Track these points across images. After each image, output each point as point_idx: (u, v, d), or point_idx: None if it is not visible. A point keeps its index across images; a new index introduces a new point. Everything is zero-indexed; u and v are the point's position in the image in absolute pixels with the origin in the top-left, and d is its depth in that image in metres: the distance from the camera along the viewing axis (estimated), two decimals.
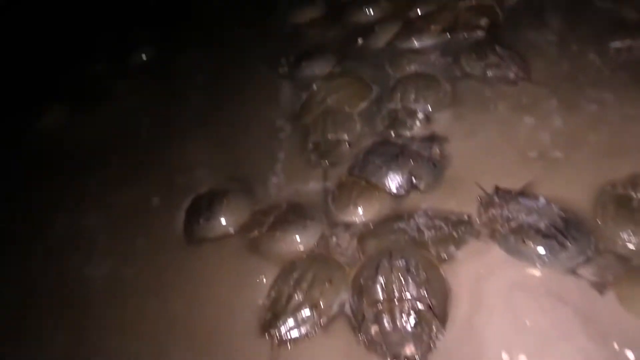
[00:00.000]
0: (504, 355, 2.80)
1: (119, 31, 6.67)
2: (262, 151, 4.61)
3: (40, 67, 6.40)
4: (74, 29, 6.74)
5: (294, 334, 3.19)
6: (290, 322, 3.20)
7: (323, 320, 3.19)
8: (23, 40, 6.75)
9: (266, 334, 3.23)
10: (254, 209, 4.05)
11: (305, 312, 3.20)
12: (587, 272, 3.11)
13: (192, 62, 5.98)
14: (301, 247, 3.64)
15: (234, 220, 3.98)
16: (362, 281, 3.08)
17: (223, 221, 3.97)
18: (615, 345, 2.76)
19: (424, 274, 3.04)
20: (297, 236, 3.65)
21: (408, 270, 3.02)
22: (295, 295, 3.25)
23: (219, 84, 5.60)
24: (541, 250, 3.13)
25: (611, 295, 2.97)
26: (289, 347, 3.19)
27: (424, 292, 2.96)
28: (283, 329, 3.18)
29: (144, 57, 6.16)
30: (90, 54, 6.48)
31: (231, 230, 3.96)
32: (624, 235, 3.19)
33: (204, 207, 4.06)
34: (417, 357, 2.85)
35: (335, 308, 3.24)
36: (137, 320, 3.64)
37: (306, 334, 3.18)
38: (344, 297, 3.26)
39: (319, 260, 3.44)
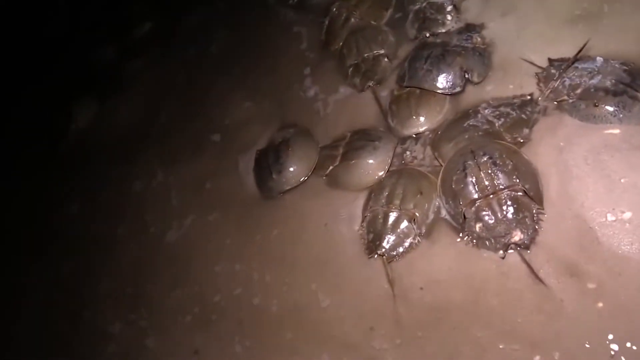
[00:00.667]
0: (609, 217, 2.89)
1: (118, 9, 6.46)
2: (303, 90, 4.61)
3: (53, 62, 6.32)
4: (71, 16, 6.55)
5: (399, 248, 3.33)
6: (392, 238, 3.33)
7: (423, 230, 3.32)
8: (25, 38, 6.62)
9: (373, 255, 3.37)
10: (319, 148, 4.10)
11: (404, 226, 3.32)
12: None
13: (198, 25, 5.88)
14: (378, 169, 3.70)
15: (305, 165, 4.04)
16: (453, 185, 3.15)
17: (295, 169, 4.03)
18: None
19: (510, 161, 3.09)
20: (371, 160, 3.71)
21: (495, 164, 3.08)
22: (391, 212, 3.35)
23: (233, 38, 5.51)
24: (615, 108, 3.15)
25: None
26: (397, 261, 3.34)
27: (515, 179, 3.03)
28: (387, 246, 3.32)
29: (147, 27, 5.97)
30: (98, 39, 6.35)
31: (305, 176, 4.04)
32: None
33: (271, 161, 4.10)
34: (525, 241, 2.97)
35: (431, 216, 3.36)
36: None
37: (410, 246, 3.33)
38: (437, 203, 3.36)
39: (404, 174, 3.53)
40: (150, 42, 5.98)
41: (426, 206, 3.33)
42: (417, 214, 3.29)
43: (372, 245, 3.36)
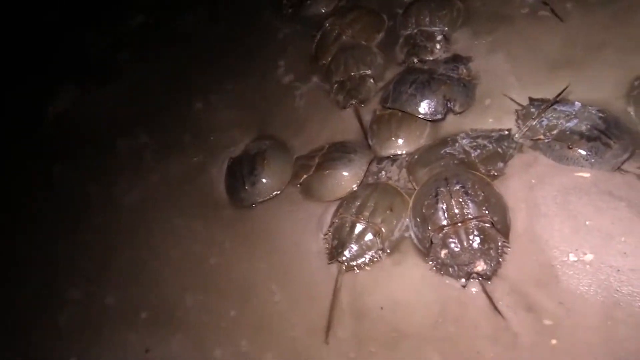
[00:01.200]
0: (572, 257, 2.95)
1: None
2: (287, 99, 4.64)
3: (38, 48, 6.23)
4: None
5: (359, 259, 3.36)
6: (355, 248, 3.36)
7: (386, 245, 3.35)
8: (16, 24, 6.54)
9: (333, 261, 3.39)
10: (295, 158, 4.13)
11: (369, 239, 3.35)
12: (632, 167, 3.24)
13: (191, 24, 5.88)
14: (351, 181, 3.74)
15: (279, 179, 4.05)
16: (424, 210, 3.18)
17: (269, 182, 4.03)
18: None
19: (481, 193, 3.14)
20: (345, 172, 3.74)
21: (467, 193, 3.13)
22: (359, 222, 3.37)
23: (224, 42, 5.52)
24: (587, 152, 3.23)
25: None
26: (356, 272, 3.37)
27: (484, 211, 3.08)
28: (348, 255, 3.35)
29: (139, 20, 5.95)
30: (87, 27, 6.29)
31: (278, 190, 4.04)
32: None
33: (246, 172, 4.08)
34: (488, 272, 3.00)
35: (397, 234, 3.39)
36: (216, 280, 3.80)
37: (371, 259, 3.36)
38: (405, 223, 3.40)
39: (379, 188, 3.55)
40: (141, 35, 5.94)
41: (394, 223, 3.37)
42: (383, 230, 3.33)
43: (335, 251, 3.38)
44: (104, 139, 5.10)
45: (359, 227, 3.36)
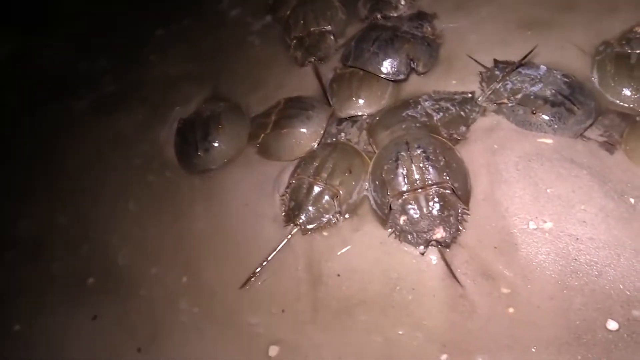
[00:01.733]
0: (531, 224, 2.91)
1: None
2: (243, 56, 4.42)
3: None
4: None
5: (316, 222, 3.25)
6: (311, 210, 3.24)
7: (344, 209, 3.24)
8: None
9: (289, 224, 3.28)
10: (252, 117, 3.94)
11: (326, 201, 3.24)
12: (595, 134, 3.20)
13: None
14: (310, 139, 3.60)
15: (234, 144, 3.85)
16: (383, 174, 3.08)
17: (223, 149, 3.82)
18: (632, 200, 2.90)
19: (443, 158, 3.05)
20: (303, 129, 3.60)
21: (428, 158, 3.03)
22: (316, 184, 3.25)
23: None
24: (551, 118, 3.17)
25: (620, 154, 3.08)
26: (310, 234, 3.27)
27: (445, 177, 2.99)
28: (304, 217, 3.24)
29: None
30: None
31: (233, 154, 3.84)
32: (626, 92, 3.24)
33: (199, 137, 3.83)
34: (447, 240, 2.93)
35: (355, 197, 3.28)
36: (164, 245, 3.62)
37: (327, 222, 3.25)
38: (364, 186, 3.29)
39: (339, 148, 3.42)
40: None
41: (352, 186, 3.26)
42: (340, 192, 3.22)
43: (291, 213, 3.27)
44: (46, 92, 4.76)
45: (316, 189, 3.24)
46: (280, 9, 4.44)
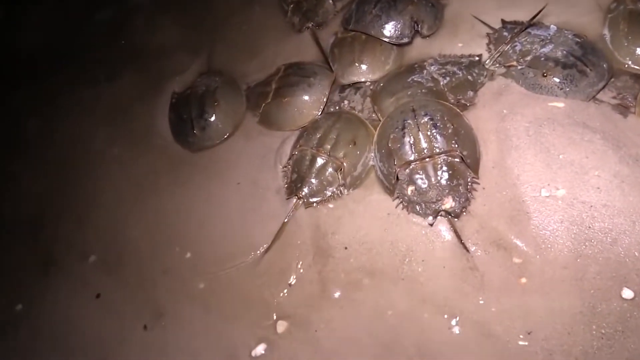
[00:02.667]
0: (544, 192, 2.83)
1: None
2: (239, 22, 4.27)
3: None
4: None
5: (319, 195, 3.17)
6: (315, 183, 3.16)
7: (348, 181, 3.15)
8: None
9: (292, 196, 3.21)
10: (253, 86, 3.81)
11: (330, 173, 3.15)
12: (607, 96, 3.09)
13: None
14: (313, 107, 3.49)
15: (230, 121, 3.73)
16: (389, 143, 2.98)
17: (220, 127, 3.71)
18: None
19: (451, 125, 2.95)
20: (306, 96, 3.48)
21: (435, 126, 2.93)
22: (319, 156, 3.16)
23: None
24: (562, 81, 3.06)
25: (634, 116, 2.98)
26: (316, 207, 3.18)
27: (454, 144, 2.90)
28: (307, 190, 3.16)
29: None
30: None
31: (230, 131, 3.73)
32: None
33: (195, 114, 3.71)
34: (456, 209, 2.85)
35: (360, 168, 3.19)
36: (167, 221, 3.55)
37: (332, 195, 3.17)
38: (368, 158, 3.20)
39: (342, 118, 3.31)
40: None
41: (356, 158, 3.16)
42: (344, 164, 3.12)
43: (293, 186, 3.19)
44: (36, 63, 4.61)
45: (319, 161, 3.14)
46: None
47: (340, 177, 3.12)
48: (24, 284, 3.67)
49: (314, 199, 3.16)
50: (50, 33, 4.82)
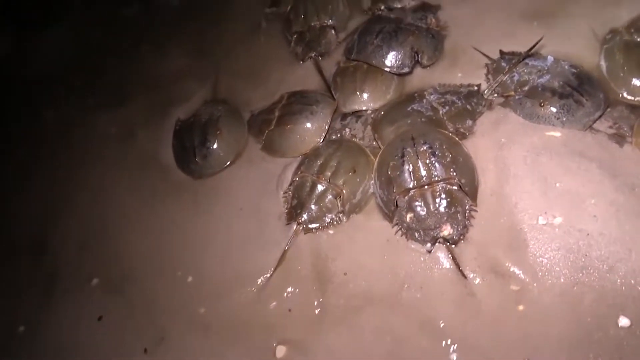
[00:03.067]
0: (541, 220, 2.86)
1: None
2: (244, 51, 4.37)
3: None
4: None
5: (319, 222, 3.21)
6: (314, 209, 3.20)
7: (347, 209, 3.19)
8: None
9: (291, 222, 3.25)
10: (257, 114, 3.88)
11: (329, 200, 3.19)
12: (604, 126, 3.14)
13: None
14: (315, 135, 3.55)
15: (232, 150, 3.79)
16: (389, 171, 3.02)
17: (222, 155, 3.76)
18: None
19: (449, 153, 2.99)
20: (308, 124, 3.54)
21: (434, 154, 2.98)
22: (320, 183, 3.21)
23: None
24: (559, 110, 3.11)
25: (630, 146, 3.02)
26: (316, 233, 3.22)
27: (452, 172, 2.94)
28: (306, 216, 3.19)
29: None
30: None
31: (231, 159, 3.79)
32: (636, 83, 3.17)
33: (197, 142, 3.76)
34: (454, 236, 2.88)
35: (359, 196, 3.23)
36: (169, 245, 3.58)
37: (331, 222, 3.21)
38: (367, 186, 3.24)
39: (343, 146, 3.37)
40: None
41: (356, 185, 3.20)
42: (344, 192, 3.17)
43: (293, 212, 3.23)
44: (44, 90, 4.72)
45: (319, 188, 3.19)
46: (282, 3, 4.37)
47: (339, 204, 3.16)
48: (27, 305, 3.70)
49: (313, 225, 3.20)
50: (56, 60, 4.92)
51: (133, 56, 4.71)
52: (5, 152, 4.56)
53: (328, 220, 3.19)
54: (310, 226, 3.20)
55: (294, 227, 3.21)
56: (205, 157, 3.70)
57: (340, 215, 3.18)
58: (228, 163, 3.74)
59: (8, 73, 5.07)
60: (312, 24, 4.07)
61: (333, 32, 4.04)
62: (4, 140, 4.63)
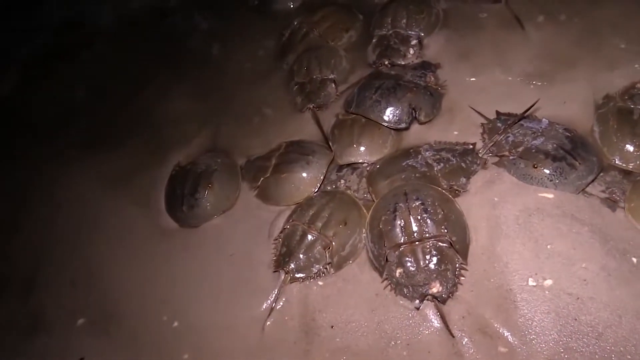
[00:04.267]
0: (531, 281, 2.84)
1: None
2: (247, 98, 4.43)
3: None
4: None
5: (305, 271, 3.20)
6: (302, 259, 3.18)
7: (335, 261, 3.18)
8: None
9: (278, 270, 3.24)
10: (253, 159, 3.92)
11: (318, 251, 3.18)
12: (596, 190, 3.16)
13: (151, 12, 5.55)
14: (310, 184, 3.57)
15: (220, 206, 3.76)
16: (381, 225, 3.03)
17: (208, 209, 3.73)
18: (634, 260, 2.83)
19: (441, 210, 3.00)
20: (304, 173, 3.57)
21: (426, 210, 2.99)
22: (310, 233, 3.21)
23: (187, 31, 5.25)
24: (552, 172, 3.13)
25: (622, 211, 3.03)
26: (307, 283, 3.21)
27: (443, 229, 2.94)
28: (293, 265, 3.18)
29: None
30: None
31: (217, 214, 3.75)
32: (629, 149, 3.19)
33: (187, 191, 3.75)
34: (443, 294, 2.86)
35: (348, 249, 3.22)
36: (156, 289, 3.56)
37: (317, 273, 3.19)
38: (358, 239, 3.24)
39: (337, 198, 3.38)
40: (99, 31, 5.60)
41: (345, 238, 3.20)
42: (333, 243, 3.16)
43: (281, 260, 3.22)
44: (45, 127, 4.79)
45: (309, 238, 3.20)
46: (288, 54, 4.49)
47: (327, 256, 3.16)
48: (11, 344, 3.65)
49: (300, 275, 3.19)
50: (57, 99, 5.03)
51: (133, 99, 4.76)
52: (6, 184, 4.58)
53: (315, 270, 3.18)
54: (297, 275, 3.19)
55: (282, 277, 3.18)
56: (192, 208, 3.68)
57: (328, 266, 3.17)
58: (213, 217, 3.71)
59: (9, 108, 5.14)
60: (314, 77, 4.15)
61: (333, 85, 4.11)
62: (8, 173, 4.66)
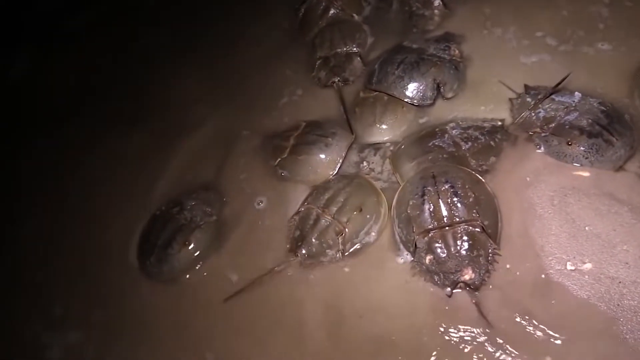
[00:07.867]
0: (569, 265, 2.72)
1: None
2: (261, 73, 4.28)
3: None
4: None
5: (318, 257, 3.11)
6: (315, 244, 3.09)
7: (347, 247, 3.09)
8: None
9: (291, 254, 3.15)
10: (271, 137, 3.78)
11: (331, 237, 3.07)
12: (635, 166, 3.00)
13: None
14: (328, 167, 3.45)
15: (189, 267, 3.42)
16: (409, 210, 2.90)
17: (176, 268, 3.38)
18: None
19: (472, 193, 2.87)
20: (322, 155, 3.44)
21: (456, 193, 2.86)
22: (323, 217, 3.10)
23: (197, 11, 5.07)
24: (587, 150, 2.97)
25: None
26: (314, 268, 3.13)
27: (474, 214, 2.81)
28: (305, 250, 3.09)
29: None
30: None
31: (183, 275, 3.42)
32: None
33: (161, 241, 3.38)
34: (476, 282, 2.74)
35: (362, 236, 3.12)
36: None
37: (330, 259, 3.10)
38: (371, 227, 3.13)
39: (354, 183, 3.25)
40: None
41: (359, 225, 3.08)
42: (346, 230, 3.05)
43: (294, 244, 3.13)
44: (54, 113, 4.70)
45: (322, 223, 3.09)
46: (308, 32, 4.32)
47: (340, 242, 3.05)
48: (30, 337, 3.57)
49: (311, 260, 3.10)
50: (69, 82, 4.91)
51: (143, 83, 4.63)
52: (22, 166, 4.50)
53: (327, 257, 3.09)
54: (307, 261, 3.11)
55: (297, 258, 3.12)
56: (160, 261, 3.36)
57: (340, 253, 3.07)
58: (175, 279, 3.39)
59: (19, 93, 5.04)
60: (338, 50, 3.98)
61: (359, 59, 3.94)
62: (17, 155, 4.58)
